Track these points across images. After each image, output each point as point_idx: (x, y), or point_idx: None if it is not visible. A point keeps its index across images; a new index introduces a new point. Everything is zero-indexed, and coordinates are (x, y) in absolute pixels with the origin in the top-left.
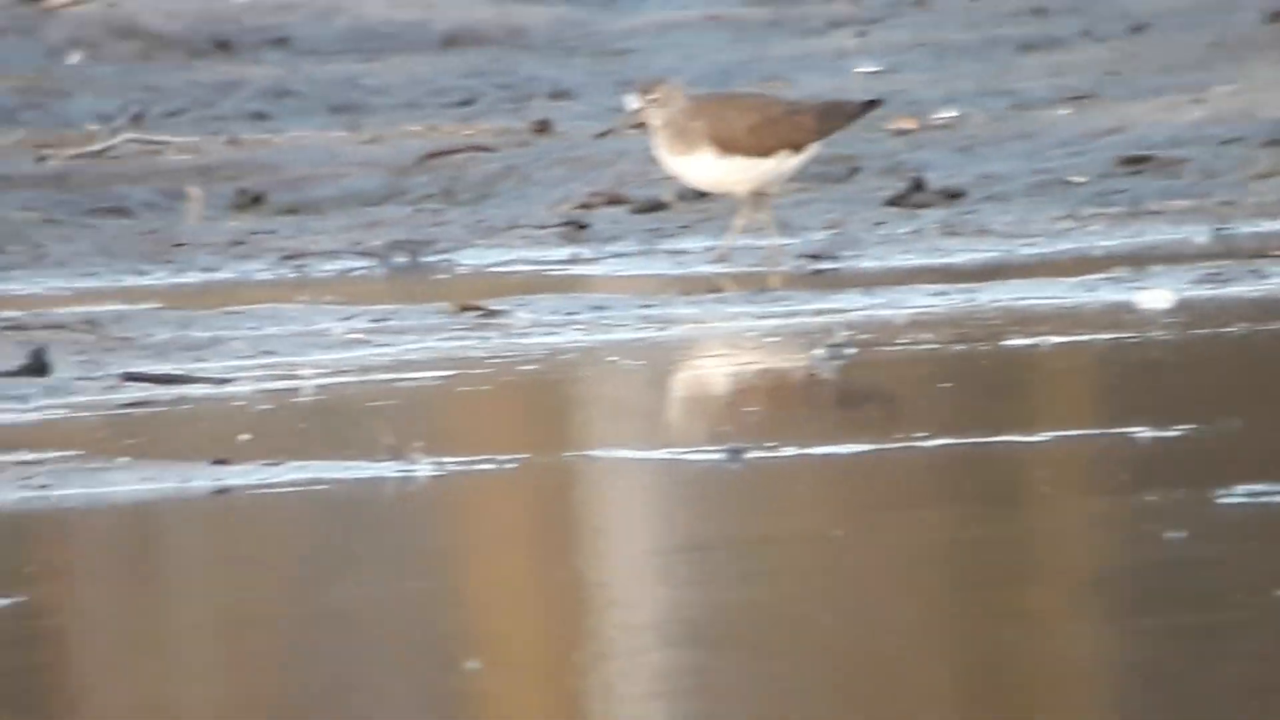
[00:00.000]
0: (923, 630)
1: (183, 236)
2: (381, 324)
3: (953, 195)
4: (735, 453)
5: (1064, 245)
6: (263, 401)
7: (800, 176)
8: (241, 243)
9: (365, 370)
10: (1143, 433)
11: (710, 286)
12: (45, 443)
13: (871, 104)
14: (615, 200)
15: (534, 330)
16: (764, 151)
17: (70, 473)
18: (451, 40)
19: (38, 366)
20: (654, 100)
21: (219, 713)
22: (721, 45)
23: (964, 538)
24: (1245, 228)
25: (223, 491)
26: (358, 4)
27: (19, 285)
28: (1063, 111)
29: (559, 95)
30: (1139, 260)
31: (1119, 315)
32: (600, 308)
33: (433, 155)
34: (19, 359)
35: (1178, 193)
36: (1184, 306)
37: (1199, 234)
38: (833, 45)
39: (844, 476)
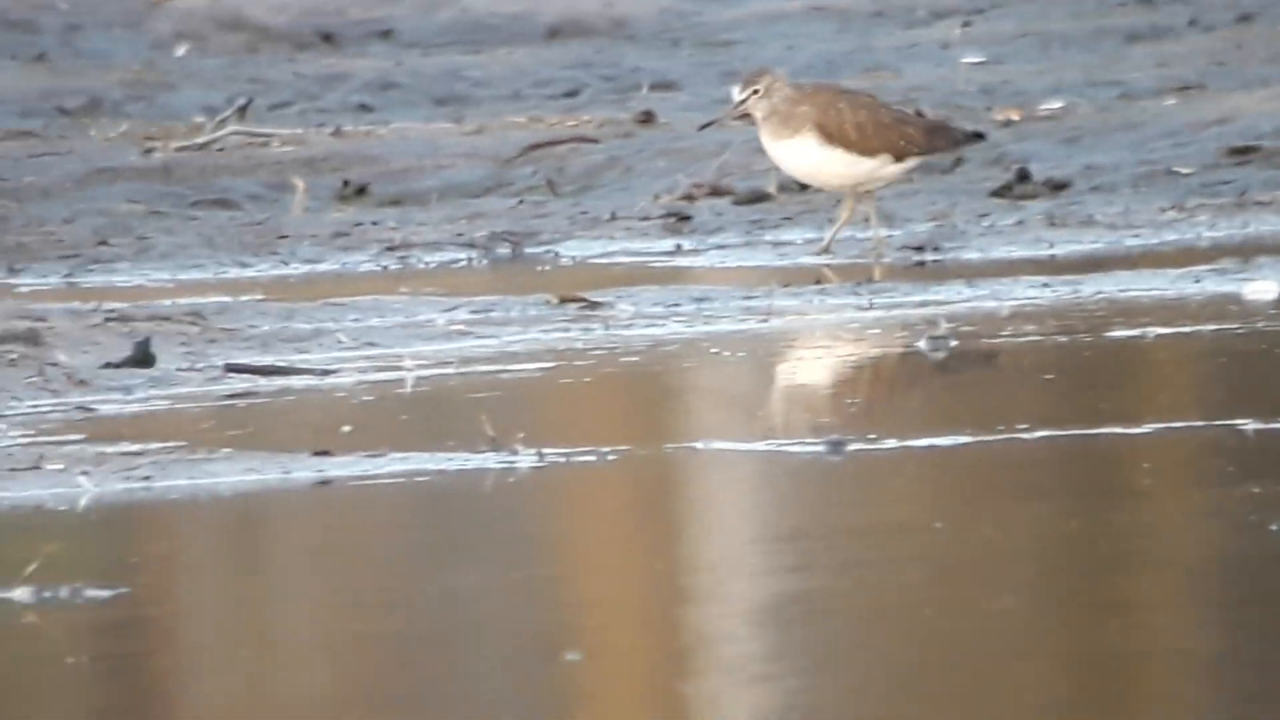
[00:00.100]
0: (1023, 621)
1: (286, 228)
2: (483, 315)
3: (1058, 186)
4: (836, 445)
5: (1169, 236)
6: (365, 393)
7: (903, 173)
8: (345, 234)
9: (467, 362)
10: (1248, 425)
11: (813, 278)
12: (148, 434)
13: (978, 136)
14: (718, 191)
15: (636, 322)
16: (866, 151)
17: (173, 464)
18: (556, 32)
19: (142, 358)
20: (757, 90)
21: (321, 703)
22: (826, 36)
23: (1066, 530)
24: None
25: (324, 483)
26: None
27: (124, 277)
28: (1169, 102)
29: (663, 86)
30: (1245, 251)
31: (1224, 306)
32: (702, 299)
33: (536, 146)
34: (124, 350)
35: None
36: None
37: None
38: (938, 35)
39: (946, 468)
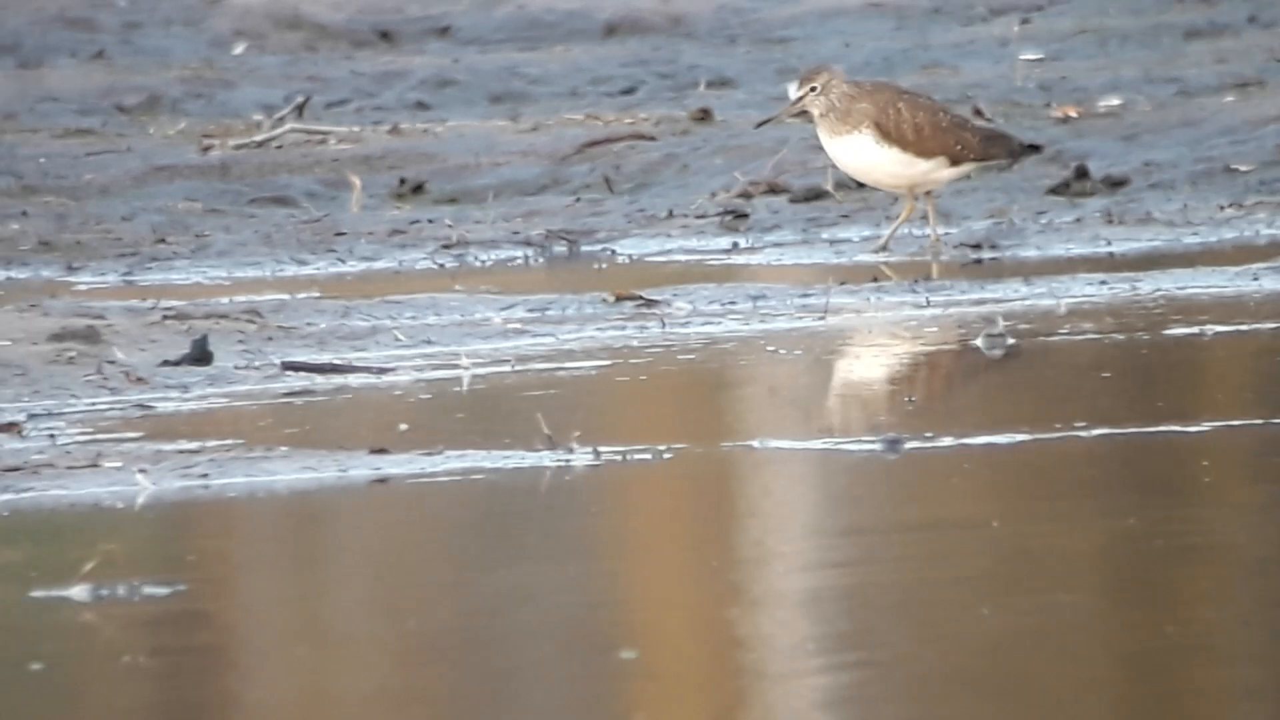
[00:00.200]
0: (1081, 618)
1: (344, 226)
2: (540, 313)
3: (1116, 183)
4: (893, 443)
5: (1227, 233)
6: (421, 391)
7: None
8: (402, 232)
9: (523, 360)
10: None
11: (870, 276)
12: (206, 432)
13: (1033, 148)
14: (775, 189)
15: (692, 320)
16: (922, 152)
17: (230, 462)
18: (613, 29)
19: (200, 356)
20: (815, 88)
21: (377, 700)
22: (883, 33)
23: (1124, 528)
24: None
25: (381, 481)
26: None
27: (182, 275)
28: (1228, 98)
29: (720, 84)
30: None
31: None
32: (759, 297)
33: (592, 144)
34: (181, 348)
35: None
36: None
37: None
38: (996, 32)
39: (1003, 467)
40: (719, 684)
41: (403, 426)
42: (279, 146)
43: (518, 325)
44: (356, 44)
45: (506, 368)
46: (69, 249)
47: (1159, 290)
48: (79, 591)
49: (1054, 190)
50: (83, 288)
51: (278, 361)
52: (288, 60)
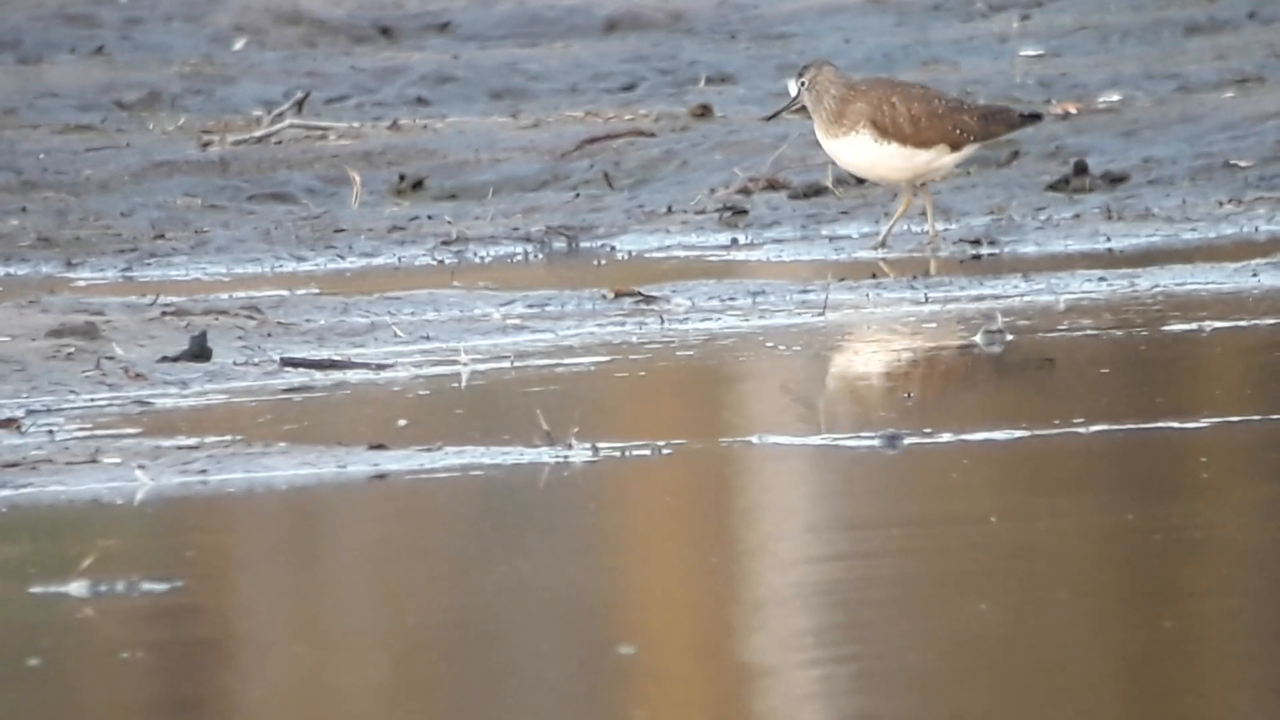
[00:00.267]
0: (1078, 614)
1: (343, 222)
2: (539, 309)
3: (1115, 179)
4: (892, 439)
5: (1227, 230)
6: (420, 387)
7: (961, 161)
8: (401, 228)
9: (522, 356)
10: None
11: (869, 272)
12: (205, 428)
13: (1034, 117)
14: (775, 185)
15: (691, 316)
16: (922, 143)
17: (229, 458)
18: (613, 25)
19: (198, 352)
20: (802, 83)
21: (376, 696)
22: (884, 29)
23: (1121, 524)
24: None
25: (380, 477)
26: None
27: (181, 271)
28: (1228, 94)
29: (720, 80)
30: None
31: None
32: (758, 293)
33: (592, 140)
34: (180, 344)
35: None
36: None
37: None
38: (996, 28)
39: (1001, 463)
40: (717, 679)
41: (402, 422)
42: (278, 142)
43: (517, 321)
44: (356, 40)
45: (505, 364)
46: (68, 245)
47: (1158, 286)
48: (77, 587)
49: (1053, 186)
50: (82, 284)
51: (277, 357)
52: (287, 56)
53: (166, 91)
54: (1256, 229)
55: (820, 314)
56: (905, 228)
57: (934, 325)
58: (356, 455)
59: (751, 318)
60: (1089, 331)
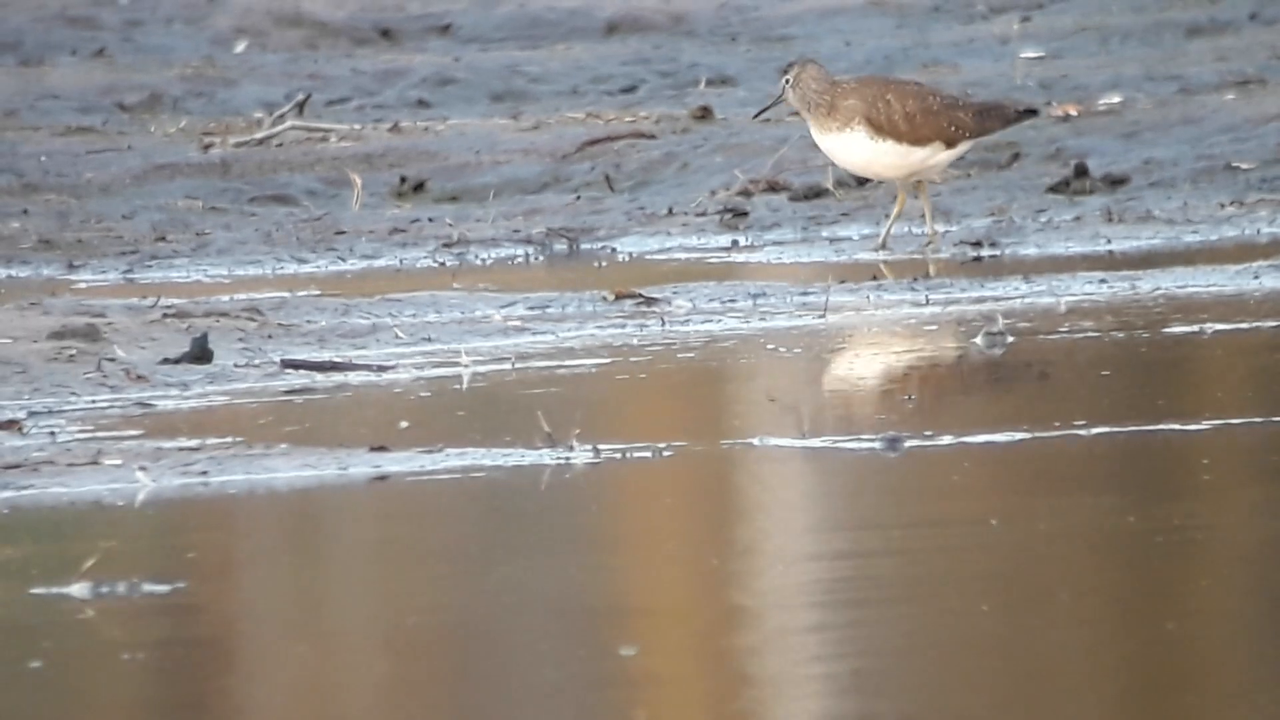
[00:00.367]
0: (1079, 616)
1: (344, 224)
2: (540, 311)
3: (1116, 181)
4: (893, 441)
5: (1228, 232)
6: (421, 389)
7: (961, 163)
8: (402, 230)
9: (523, 358)
10: None
11: (870, 274)
12: (206, 430)
13: (1030, 112)
14: (775, 187)
15: (692, 318)
16: (917, 140)
17: (230, 460)
18: (614, 27)
19: (200, 354)
20: (790, 80)
21: (377, 696)
22: (884, 31)
23: (1123, 526)
24: None
25: (381, 478)
26: None
27: (182, 273)
28: (1229, 96)
29: (720, 82)
30: None
31: None
32: (759, 295)
33: (593, 142)
34: (182, 346)
35: None
36: None
37: None
38: (996, 30)
39: (1002, 465)
40: (718, 680)
41: (403, 424)
42: (280, 144)
43: (518, 323)
44: (357, 42)
45: (507, 365)
46: (69, 247)
47: (1159, 288)
48: (79, 589)
49: (1054, 188)
50: (83, 286)
51: (278, 359)
52: (289, 58)
53: (168, 94)
54: (1258, 231)
55: (821, 316)
56: (905, 229)
57: (935, 327)
58: (358, 457)
59: (752, 319)
60: (1090, 334)
